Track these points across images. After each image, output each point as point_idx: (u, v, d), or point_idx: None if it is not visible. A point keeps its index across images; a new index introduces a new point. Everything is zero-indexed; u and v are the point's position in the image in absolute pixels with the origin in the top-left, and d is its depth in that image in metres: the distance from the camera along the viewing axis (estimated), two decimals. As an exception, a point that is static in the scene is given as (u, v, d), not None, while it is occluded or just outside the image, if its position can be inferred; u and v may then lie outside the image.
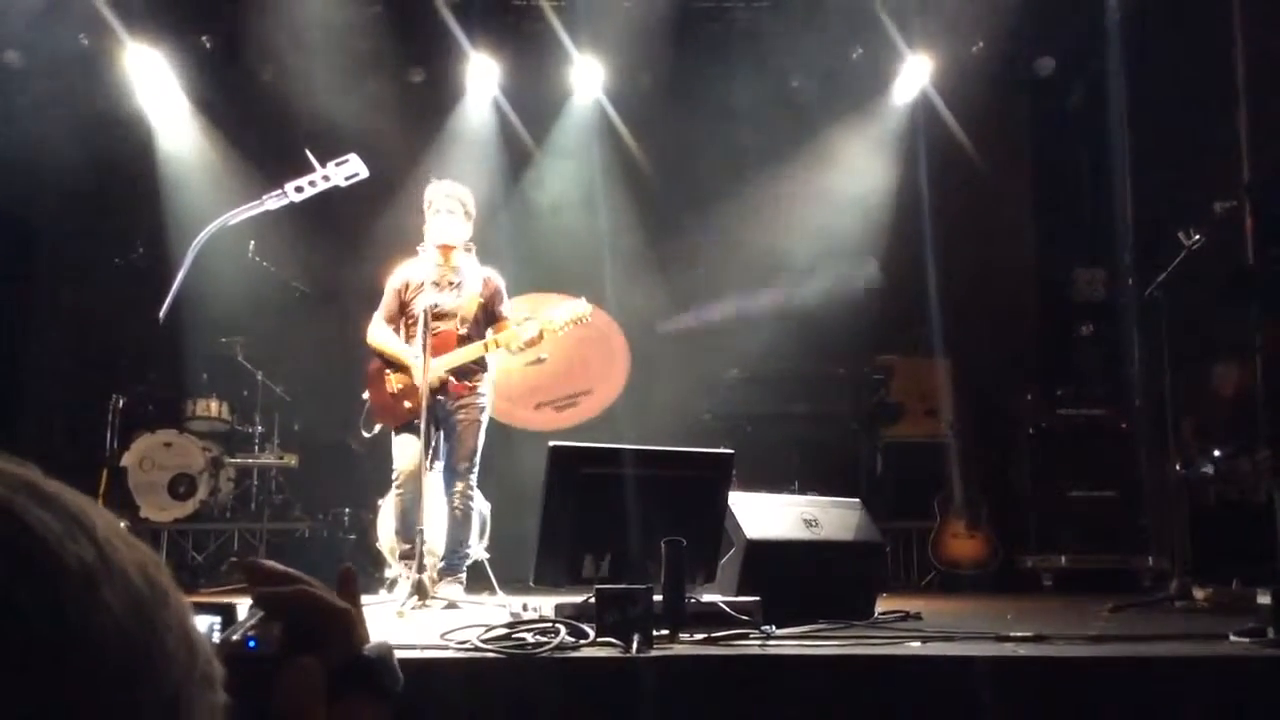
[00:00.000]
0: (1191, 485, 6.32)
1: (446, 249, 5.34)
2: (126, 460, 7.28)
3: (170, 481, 7.32)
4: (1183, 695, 2.87)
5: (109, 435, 7.21)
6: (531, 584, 3.91)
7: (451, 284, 5.36)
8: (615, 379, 8.02)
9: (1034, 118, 8.86)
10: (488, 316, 5.43)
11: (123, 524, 0.62)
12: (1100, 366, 8.00)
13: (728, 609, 3.61)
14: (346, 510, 7.34)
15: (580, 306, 5.34)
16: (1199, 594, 5.05)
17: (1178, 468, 5.82)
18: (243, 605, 0.86)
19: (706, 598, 3.73)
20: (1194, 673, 2.95)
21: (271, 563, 0.86)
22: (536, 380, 7.74)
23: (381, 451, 5.57)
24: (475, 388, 5.37)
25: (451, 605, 4.75)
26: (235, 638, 0.80)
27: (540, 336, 5.27)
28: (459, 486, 5.30)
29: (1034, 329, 8.72)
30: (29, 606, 0.52)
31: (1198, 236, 5.22)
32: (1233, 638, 3.33)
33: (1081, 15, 8.03)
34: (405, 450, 5.28)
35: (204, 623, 0.79)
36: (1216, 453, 6.61)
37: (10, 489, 0.56)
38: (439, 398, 5.19)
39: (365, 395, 5.54)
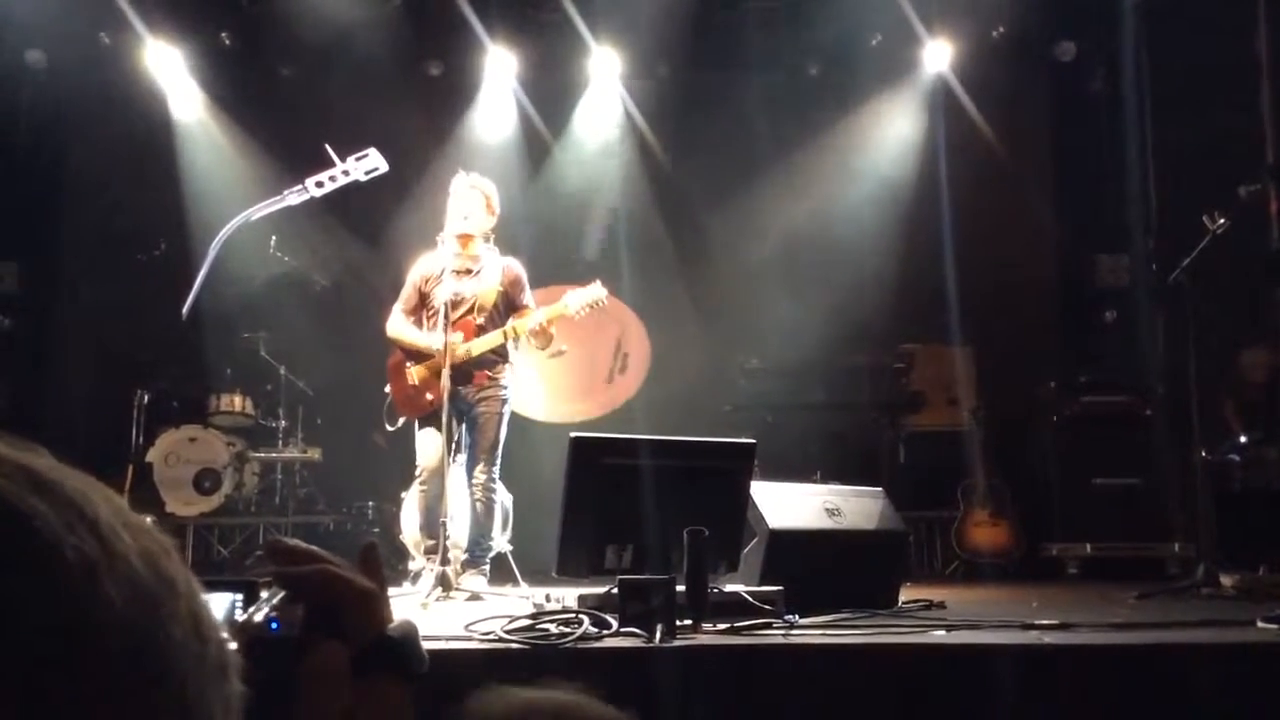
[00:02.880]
0: (1217, 471, 6.27)
1: (465, 238, 5.34)
2: (151, 456, 7.34)
3: (195, 476, 7.37)
4: (1210, 681, 2.85)
5: (134, 431, 7.27)
6: (554, 575, 3.92)
7: (470, 272, 5.37)
8: (635, 371, 8.01)
9: (1055, 102, 8.79)
10: (508, 306, 5.44)
11: (148, 518, 0.61)
12: (1124, 353, 7.93)
13: (750, 599, 3.61)
14: (370, 504, 7.38)
15: (596, 290, 5.35)
16: (1226, 580, 5.01)
17: (1203, 454, 5.77)
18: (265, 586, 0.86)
19: (729, 588, 3.73)
20: (1221, 659, 2.93)
21: (294, 541, 0.86)
22: (580, 365, 7.75)
23: (404, 445, 5.59)
24: (497, 379, 5.38)
25: (475, 597, 4.78)
26: (258, 619, 0.79)
27: (552, 322, 5.27)
28: (481, 478, 5.32)
29: (1056, 316, 8.66)
30: (26, 602, 0.51)
31: (1222, 220, 5.16)
32: (1260, 624, 3.31)
33: (1102, -1, 7.96)
34: (428, 445, 5.30)
35: (225, 600, 0.79)
36: (1243, 439, 6.56)
37: (7, 477, 0.54)
38: (460, 389, 5.19)
39: (387, 389, 5.56)
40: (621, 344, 7.98)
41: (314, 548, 0.86)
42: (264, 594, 0.84)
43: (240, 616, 0.81)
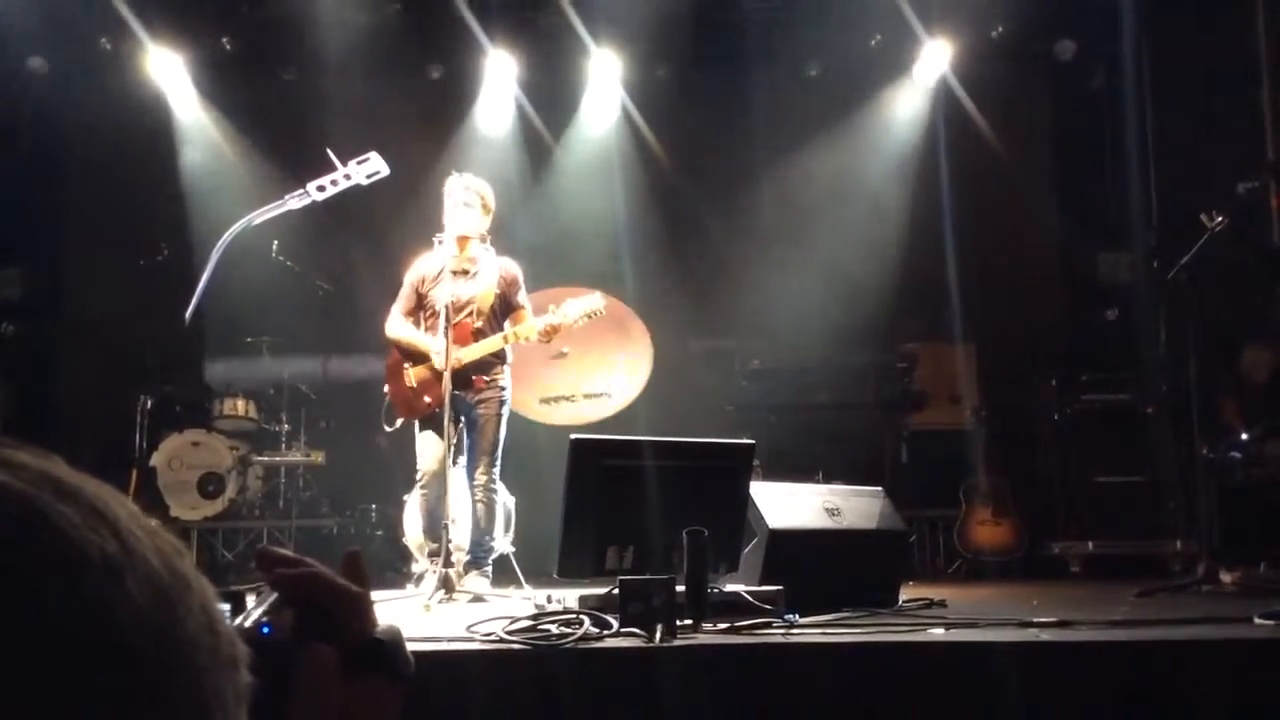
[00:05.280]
0: (1219, 469, 6.28)
1: (463, 240, 5.35)
2: (155, 460, 7.36)
3: (199, 480, 7.40)
4: (1207, 678, 2.86)
5: (137, 436, 7.30)
6: (556, 576, 3.93)
7: (468, 274, 5.39)
8: (635, 383, 8.02)
9: (1055, 101, 8.80)
10: (505, 307, 5.46)
11: (152, 521, 0.64)
12: (1125, 351, 7.94)
13: (751, 598, 3.63)
14: (373, 506, 7.40)
15: (593, 301, 5.36)
16: (1226, 577, 5.02)
17: (1205, 451, 5.77)
18: (251, 595, 0.88)
19: (729, 587, 3.74)
20: (1218, 656, 2.94)
21: (281, 550, 0.88)
22: (555, 375, 7.75)
23: (406, 447, 5.61)
24: (495, 380, 5.40)
25: (477, 598, 4.80)
26: (249, 624, 0.81)
27: (555, 329, 5.29)
28: (481, 480, 5.33)
29: (1058, 314, 8.67)
30: (55, 601, 0.53)
31: (1221, 218, 5.17)
32: (1257, 620, 3.32)
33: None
34: (428, 449, 5.31)
35: None
36: (1244, 436, 6.56)
37: (33, 484, 0.57)
38: (457, 392, 5.19)
39: (385, 389, 5.58)
40: (579, 396, 7.96)
41: (302, 556, 0.88)
42: (251, 601, 0.86)
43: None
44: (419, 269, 5.50)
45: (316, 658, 0.81)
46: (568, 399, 7.91)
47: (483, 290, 5.37)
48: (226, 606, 0.84)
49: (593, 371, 7.92)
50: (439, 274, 5.26)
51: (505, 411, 5.41)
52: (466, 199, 5.33)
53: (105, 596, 0.55)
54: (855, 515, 4.35)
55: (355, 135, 6.34)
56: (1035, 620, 3.41)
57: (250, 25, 8.21)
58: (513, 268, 5.53)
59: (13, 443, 0.60)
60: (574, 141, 8.59)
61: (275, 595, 0.85)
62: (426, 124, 8.34)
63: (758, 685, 2.99)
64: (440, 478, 5.12)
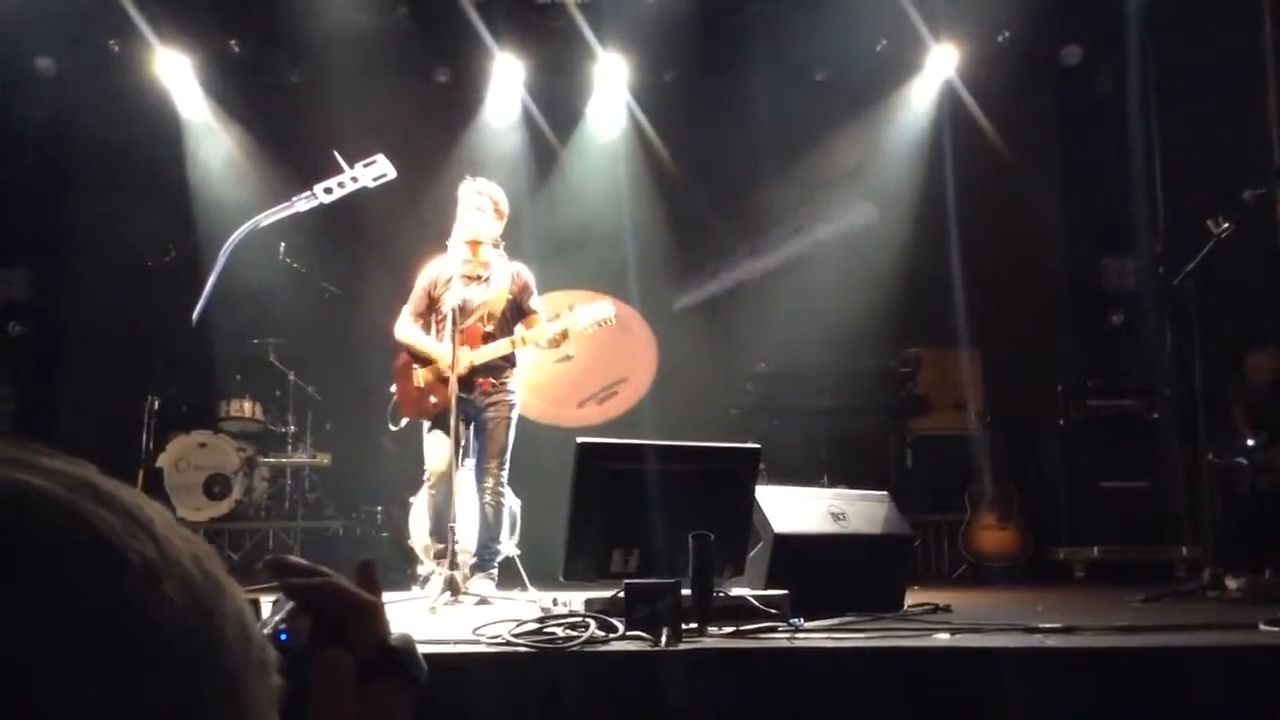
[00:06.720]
0: (1225, 475, 6.27)
1: (475, 244, 5.36)
2: (162, 461, 7.37)
3: (205, 482, 7.41)
4: (1212, 685, 2.87)
5: (144, 437, 7.30)
6: (561, 579, 3.94)
7: (480, 279, 5.40)
8: (646, 363, 8.06)
9: (1061, 106, 8.80)
10: (516, 312, 5.46)
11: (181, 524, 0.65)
12: (1130, 356, 7.94)
13: (756, 602, 3.64)
14: (379, 508, 7.41)
15: (605, 309, 5.36)
16: (1231, 584, 5.01)
17: (1211, 457, 5.77)
18: (266, 602, 0.89)
19: (735, 591, 3.75)
20: (1223, 662, 2.95)
21: (295, 558, 0.89)
22: (572, 377, 7.78)
23: (413, 450, 5.62)
24: (504, 384, 5.41)
25: (483, 601, 4.80)
26: (266, 631, 0.83)
27: (565, 335, 5.30)
28: (489, 483, 5.34)
29: (1063, 319, 8.67)
30: (97, 604, 0.54)
31: (1226, 224, 5.17)
32: (1263, 627, 3.32)
33: (1108, 2, 7.95)
34: (436, 449, 5.32)
35: None
36: (1250, 442, 6.56)
37: (72, 490, 0.57)
38: (464, 395, 5.20)
39: (393, 389, 5.59)
40: (618, 382, 8.03)
41: (316, 564, 0.89)
42: (267, 608, 0.87)
43: None
44: (431, 272, 5.51)
45: (332, 664, 0.82)
46: (608, 392, 7.97)
47: (494, 295, 5.38)
48: None
49: (603, 368, 7.96)
50: (451, 278, 5.26)
51: (515, 416, 5.43)
52: (479, 203, 5.34)
53: (144, 600, 0.56)
54: (860, 520, 4.35)
55: (362, 137, 6.36)
56: (1040, 626, 3.41)
57: (258, 27, 8.23)
58: (525, 273, 5.54)
59: (45, 449, 0.61)
60: (581, 145, 8.60)
61: (292, 603, 0.86)
62: (433, 127, 8.35)
63: (762, 689, 2.99)
64: (448, 479, 5.13)
